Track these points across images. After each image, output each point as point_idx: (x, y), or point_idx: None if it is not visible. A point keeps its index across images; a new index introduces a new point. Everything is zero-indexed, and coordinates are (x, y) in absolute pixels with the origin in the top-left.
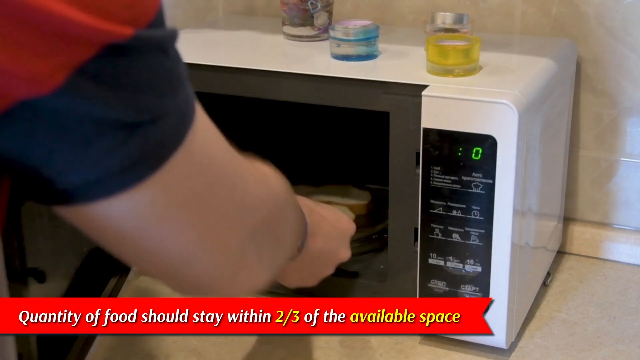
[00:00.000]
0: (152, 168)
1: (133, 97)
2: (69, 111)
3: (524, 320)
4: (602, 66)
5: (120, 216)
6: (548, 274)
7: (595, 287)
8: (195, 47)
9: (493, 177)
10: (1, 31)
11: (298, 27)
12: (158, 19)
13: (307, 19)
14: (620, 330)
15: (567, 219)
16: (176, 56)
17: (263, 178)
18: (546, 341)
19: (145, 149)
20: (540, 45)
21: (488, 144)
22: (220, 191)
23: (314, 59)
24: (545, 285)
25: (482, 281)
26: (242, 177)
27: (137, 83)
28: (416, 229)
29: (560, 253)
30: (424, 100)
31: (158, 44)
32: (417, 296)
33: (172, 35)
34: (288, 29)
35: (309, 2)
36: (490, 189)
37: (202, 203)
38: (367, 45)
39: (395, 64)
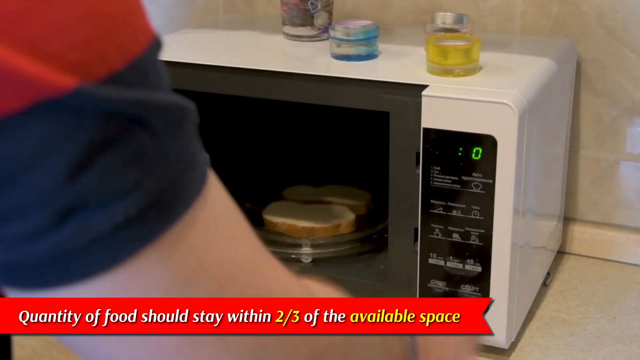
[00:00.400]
0: (92, 269)
1: (69, 174)
2: None
3: (524, 320)
4: (602, 66)
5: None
6: (548, 274)
7: (595, 287)
8: (196, 48)
9: (493, 177)
10: None
11: (298, 27)
12: (133, 73)
13: (307, 19)
14: (620, 330)
15: (567, 219)
16: (165, 133)
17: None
18: (546, 341)
19: (81, 242)
20: (540, 45)
21: (488, 144)
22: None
23: (314, 59)
24: (545, 285)
25: (482, 281)
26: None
27: (78, 155)
28: (416, 229)
29: (560, 253)
30: (424, 100)
31: (122, 108)
32: (417, 296)
33: (162, 104)
34: (288, 29)
35: (309, 2)
36: (490, 189)
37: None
38: (367, 45)
39: (395, 64)
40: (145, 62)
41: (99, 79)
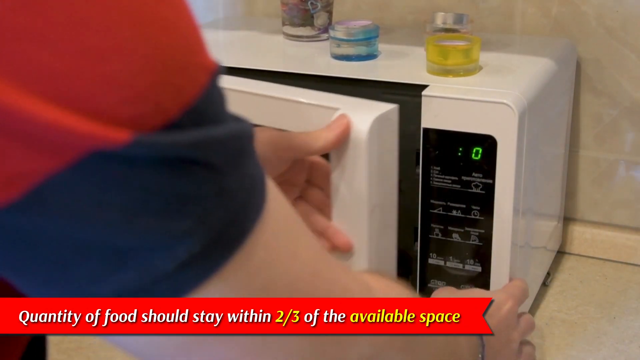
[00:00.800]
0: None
1: (126, 220)
2: (34, 228)
3: None
4: (602, 66)
5: (134, 343)
6: (548, 274)
7: (595, 287)
8: None
9: (493, 177)
10: None
11: (298, 27)
12: (190, 117)
13: (307, 19)
14: (620, 330)
15: (567, 219)
16: (226, 166)
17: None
18: (546, 341)
19: (144, 282)
20: (540, 45)
21: (488, 144)
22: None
23: (314, 59)
24: (545, 285)
25: (482, 281)
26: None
27: (133, 202)
28: (416, 229)
29: (560, 253)
30: (424, 100)
31: (178, 152)
32: (417, 296)
33: (222, 138)
34: (288, 29)
35: (309, 2)
36: (490, 189)
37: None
38: (367, 45)
39: (395, 64)
40: (204, 101)
41: (153, 128)
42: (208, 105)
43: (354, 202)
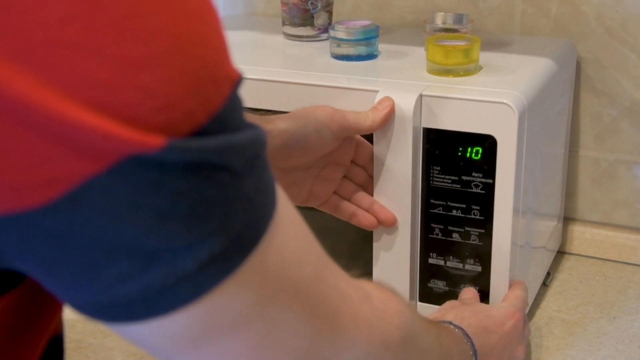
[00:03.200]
0: (177, 303)
1: (156, 222)
2: (68, 229)
3: None
4: (602, 66)
5: (149, 338)
6: (548, 274)
7: (595, 287)
8: None
9: (493, 177)
10: None
11: (298, 27)
12: (215, 124)
13: (307, 19)
14: (620, 330)
15: (567, 219)
16: (245, 171)
17: (376, 314)
18: (546, 341)
19: (168, 281)
20: (540, 45)
21: (488, 143)
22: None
23: (314, 59)
24: (545, 285)
25: (482, 281)
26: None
27: (164, 204)
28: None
29: (560, 253)
30: (424, 100)
31: (206, 157)
32: (417, 296)
33: (242, 144)
34: (288, 29)
35: (309, 2)
36: (490, 188)
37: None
38: (367, 45)
39: (395, 64)
40: (227, 109)
41: (183, 134)
42: (230, 113)
43: (397, 179)
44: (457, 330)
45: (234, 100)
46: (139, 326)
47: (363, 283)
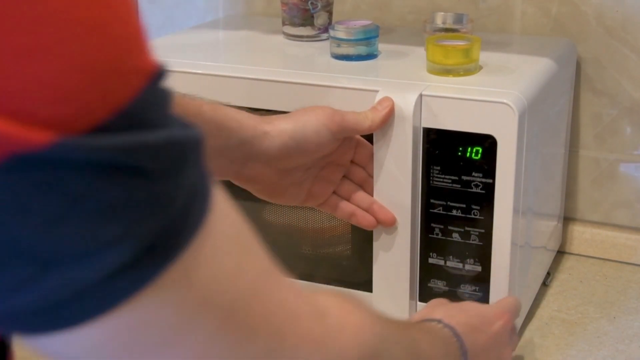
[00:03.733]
0: (83, 315)
1: (48, 226)
2: None
3: (524, 320)
4: (602, 66)
5: (63, 350)
6: (548, 273)
7: (595, 287)
8: (195, 48)
9: (493, 177)
10: None
11: (298, 27)
12: (122, 120)
13: (307, 19)
14: (620, 330)
15: (567, 219)
16: (162, 173)
17: (326, 332)
18: (546, 341)
19: (67, 291)
20: (540, 45)
21: (488, 143)
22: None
23: (314, 59)
24: (545, 285)
25: (482, 281)
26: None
27: (56, 207)
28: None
29: (560, 253)
30: (424, 100)
31: (107, 156)
32: (417, 296)
33: (157, 144)
34: (288, 29)
35: (309, 2)
36: (490, 188)
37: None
38: (367, 45)
39: (395, 64)
40: (138, 105)
41: (80, 131)
42: (143, 110)
43: (397, 179)
44: (446, 329)
45: (152, 95)
46: (48, 339)
47: (320, 297)
